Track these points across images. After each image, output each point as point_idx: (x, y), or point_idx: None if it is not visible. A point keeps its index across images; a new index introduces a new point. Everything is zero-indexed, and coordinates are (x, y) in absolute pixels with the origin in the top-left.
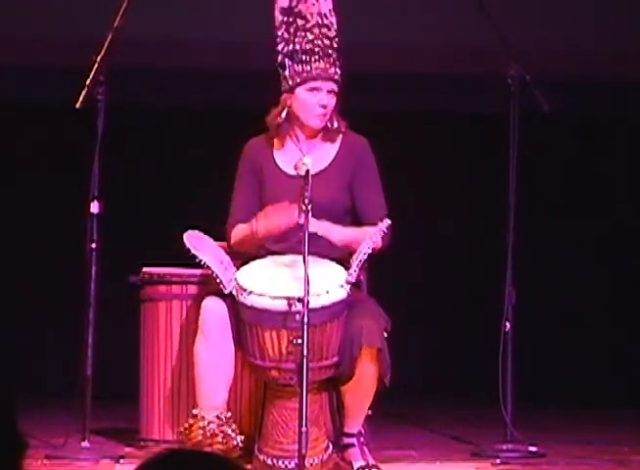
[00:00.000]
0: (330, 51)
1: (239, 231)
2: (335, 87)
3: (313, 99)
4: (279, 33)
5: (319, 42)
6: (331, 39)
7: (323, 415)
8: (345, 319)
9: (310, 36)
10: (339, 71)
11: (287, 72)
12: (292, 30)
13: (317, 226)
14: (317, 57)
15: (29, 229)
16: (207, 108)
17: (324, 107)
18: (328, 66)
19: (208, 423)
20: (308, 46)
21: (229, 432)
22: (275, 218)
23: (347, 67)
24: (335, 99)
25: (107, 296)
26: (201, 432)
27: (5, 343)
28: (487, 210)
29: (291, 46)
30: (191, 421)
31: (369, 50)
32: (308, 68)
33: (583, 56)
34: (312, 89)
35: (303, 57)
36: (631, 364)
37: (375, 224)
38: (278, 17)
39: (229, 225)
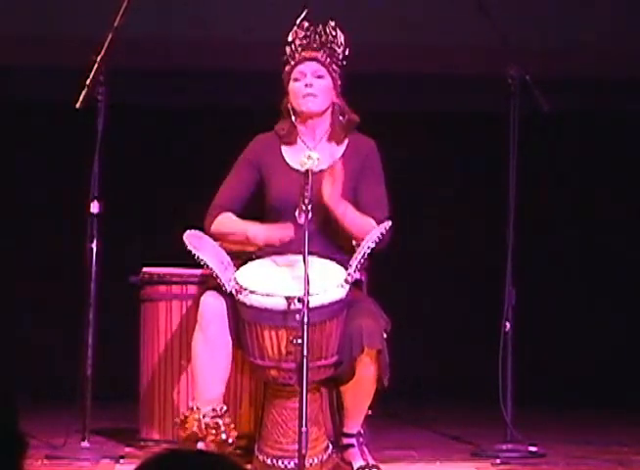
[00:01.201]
0: (315, 45)
1: (226, 223)
2: (320, 68)
3: (299, 84)
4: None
5: (302, 41)
6: (319, 36)
7: (323, 415)
8: (345, 319)
9: (299, 41)
10: (329, 60)
11: (284, 78)
12: (288, 52)
13: (331, 194)
14: (300, 49)
15: (29, 229)
16: (207, 108)
17: (308, 85)
18: (311, 52)
19: (204, 416)
20: (294, 48)
21: (223, 425)
22: (275, 233)
23: (347, 67)
24: (325, 82)
25: (107, 296)
26: (195, 424)
27: (5, 343)
28: (487, 209)
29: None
30: (186, 413)
31: (369, 50)
32: (293, 62)
33: (583, 56)
34: (298, 76)
35: (290, 57)
36: (631, 364)
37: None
38: (286, 49)
39: (213, 207)
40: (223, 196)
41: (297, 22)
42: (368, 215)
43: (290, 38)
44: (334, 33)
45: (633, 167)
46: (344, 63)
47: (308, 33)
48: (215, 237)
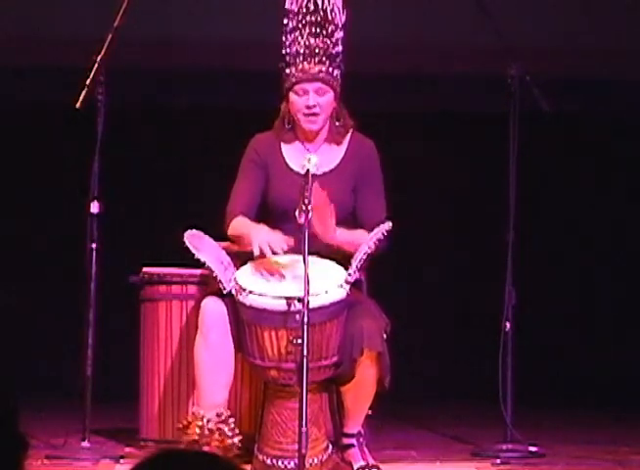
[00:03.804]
0: (317, 50)
1: (237, 225)
2: (323, 86)
3: (300, 101)
4: (282, 38)
5: (305, 41)
6: (323, 37)
7: (323, 415)
8: (345, 320)
9: (299, 37)
10: (331, 71)
11: (283, 77)
12: (287, 33)
13: (324, 232)
14: (302, 58)
15: (29, 229)
16: (208, 108)
17: (309, 107)
18: (313, 65)
19: (207, 421)
20: (295, 48)
21: (227, 430)
22: (252, 237)
23: (347, 67)
24: (327, 97)
25: (107, 296)
26: (198, 430)
27: (5, 343)
28: (487, 209)
29: (286, 49)
30: (189, 419)
31: (369, 50)
32: (294, 70)
33: (583, 56)
34: (299, 92)
35: (292, 59)
36: (631, 364)
37: (372, 227)
38: (284, 20)
39: (228, 214)
40: (237, 201)
41: None
42: (366, 220)
43: (287, 5)
44: (334, 11)
45: (634, 167)
46: (343, 40)
47: (307, 10)
48: (234, 241)
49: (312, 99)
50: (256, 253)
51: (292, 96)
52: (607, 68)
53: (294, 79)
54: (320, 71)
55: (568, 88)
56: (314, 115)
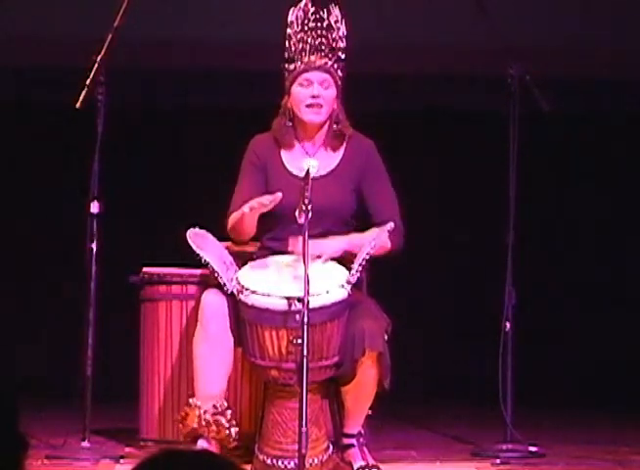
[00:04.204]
0: (323, 46)
1: (233, 217)
2: (328, 78)
3: (304, 92)
4: (286, 44)
5: (311, 40)
6: (327, 36)
7: (323, 415)
8: (346, 320)
9: (304, 36)
10: (335, 67)
11: (285, 76)
12: (291, 36)
13: (321, 249)
14: (306, 52)
15: (30, 229)
16: (208, 108)
17: (314, 97)
18: (319, 58)
19: (204, 412)
20: (301, 45)
21: (224, 422)
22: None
23: (347, 67)
24: (331, 92)
25: (107, 296)
26: (196, 420)
27: (5, 343)
28: (487, 209)
29: (290, 49)
30: (187, 410)
31: (369, 50)
32: (299, 63)
33: (583, 56)
34: (303, 83)
35: (297, 56)
36: (631, 365)
37: (383, 224)
38: (287, 30)
39: (229, 215)
40: (237, 203)
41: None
42: (381, 218)
43: (290, 18)
44: (337, 24)
45: (633, 167)
46: (345, 44)
47: (311, 19)
48: (235, 237)
49: (317, 89)
50: (246, 210)
51: (295, 88)
52: (607, 68)
53: (298, 70)
54: (325, 64)
55: (568, 88)
56: (318, 105)
